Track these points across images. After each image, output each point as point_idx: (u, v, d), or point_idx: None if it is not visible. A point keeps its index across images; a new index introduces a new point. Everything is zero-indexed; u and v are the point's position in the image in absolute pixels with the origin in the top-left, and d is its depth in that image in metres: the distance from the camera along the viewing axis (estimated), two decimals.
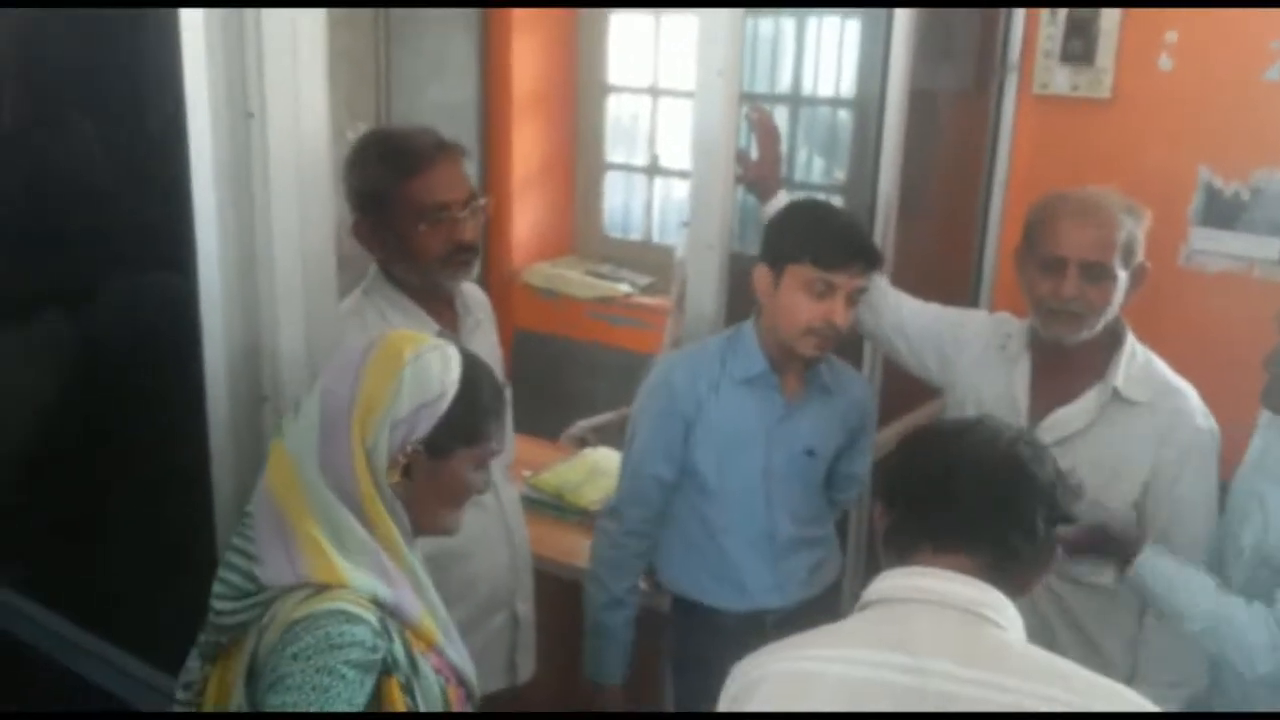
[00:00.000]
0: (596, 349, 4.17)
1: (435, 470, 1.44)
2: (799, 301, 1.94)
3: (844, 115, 3.78)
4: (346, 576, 1.35)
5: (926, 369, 2.23)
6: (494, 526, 2.14)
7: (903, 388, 2.67)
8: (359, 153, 1.99)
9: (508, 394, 1.65)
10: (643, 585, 2.23)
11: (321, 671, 1.27)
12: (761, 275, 2.00)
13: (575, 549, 2.71)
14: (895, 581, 1.28)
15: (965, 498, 1.29)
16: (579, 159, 4.48)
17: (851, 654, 1.21)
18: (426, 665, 1.42)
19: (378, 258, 2.02)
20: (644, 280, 4.27)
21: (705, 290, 2.24)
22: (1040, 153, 3.07)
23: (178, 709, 1.46)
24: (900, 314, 2.23)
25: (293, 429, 1.42)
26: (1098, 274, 1.91)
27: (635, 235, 4.48)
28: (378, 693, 1.32)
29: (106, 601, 2.18)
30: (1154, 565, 1.79)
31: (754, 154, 2.30)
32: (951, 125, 3.13)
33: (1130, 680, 1.96)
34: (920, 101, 2.85)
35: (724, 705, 1.29)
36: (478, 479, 1.50)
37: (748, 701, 1.25)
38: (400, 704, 1.35)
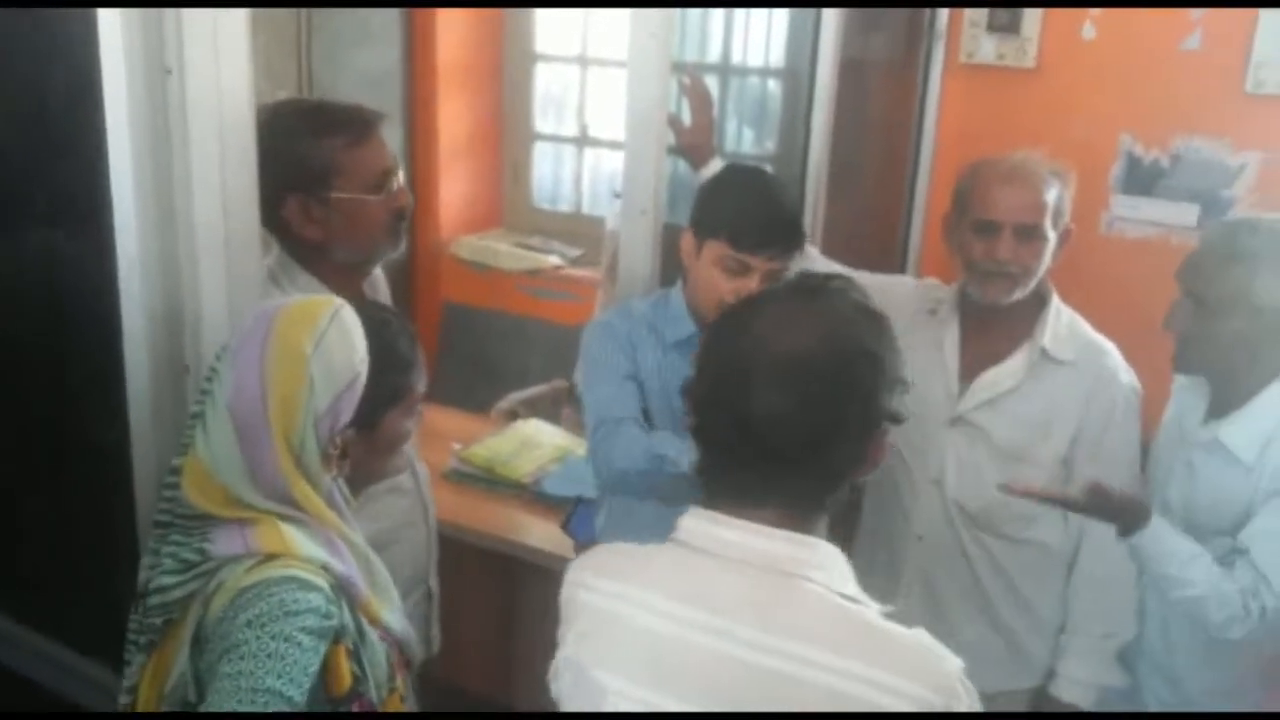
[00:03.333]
0: (527, 322, 4.13)
1: (369, 438, 1.43)
2: (714, 276, 1.92)
3: (773, 85, 3.79)
4: (296, 546, 1.33)
5: None
6: (414, 508, 2.11)
7: None
8: (287, 128, 1.84)
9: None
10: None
11: (278, 638, 1.24)
12: (687, 242, 1.99)
13: (504, 521, 2.71)
14: (703, 527, 1.20)
15: (756, 461, 1.17)
16: (507, 129, 4.42)
17: (659, 603, 1.17)
18: (373, 633, 1.40)
19: (310, 240, 1.85)
20: (574, 252, 4.23)
21: (638, 257, 2.22)
22: (967, 121, 3.10)
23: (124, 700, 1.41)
24: None
25: (205, 444, 1.35)
26: (1029, 235, 1.94)
27: (565, 207, 4.44)
28: (325, 659, 1.29)
29: (22, 584, 2.11)
30: (1157, 533, 1.80)
31: (687, 120, 2.28)
32: (880, 95, 3.14)
33: (1062, 632, 2.01)
34: (849, 71, 2.86)
35: (562, 606, 1.27)
36: (411, 424, 1.49)
37: (570, 622, 1.25)
38: (346, 671, 1.33)
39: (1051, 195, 1.96)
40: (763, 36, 3.74)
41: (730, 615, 1.14)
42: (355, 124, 1.84)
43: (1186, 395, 1.99)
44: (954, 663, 1.12)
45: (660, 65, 2.14)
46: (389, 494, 1.96)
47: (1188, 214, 2.90)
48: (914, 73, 3.14)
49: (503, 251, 4.21)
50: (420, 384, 1.50)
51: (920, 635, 1.14)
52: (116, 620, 1.43)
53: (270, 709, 1.20)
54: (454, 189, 4.31)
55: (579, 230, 4.30)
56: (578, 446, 2.94)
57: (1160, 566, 1.80)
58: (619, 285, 2.28)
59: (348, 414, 1.38)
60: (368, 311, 1.45)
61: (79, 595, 1.95)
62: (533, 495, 2.75)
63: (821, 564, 1.17)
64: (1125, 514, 1.80)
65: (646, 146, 2.17)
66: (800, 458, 1.16)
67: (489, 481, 2.80)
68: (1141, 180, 2.94)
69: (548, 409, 3.36)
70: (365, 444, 1.42)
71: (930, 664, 1.11)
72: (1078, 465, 1.99)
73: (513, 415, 3.29)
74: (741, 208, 1.92)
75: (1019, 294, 1.98)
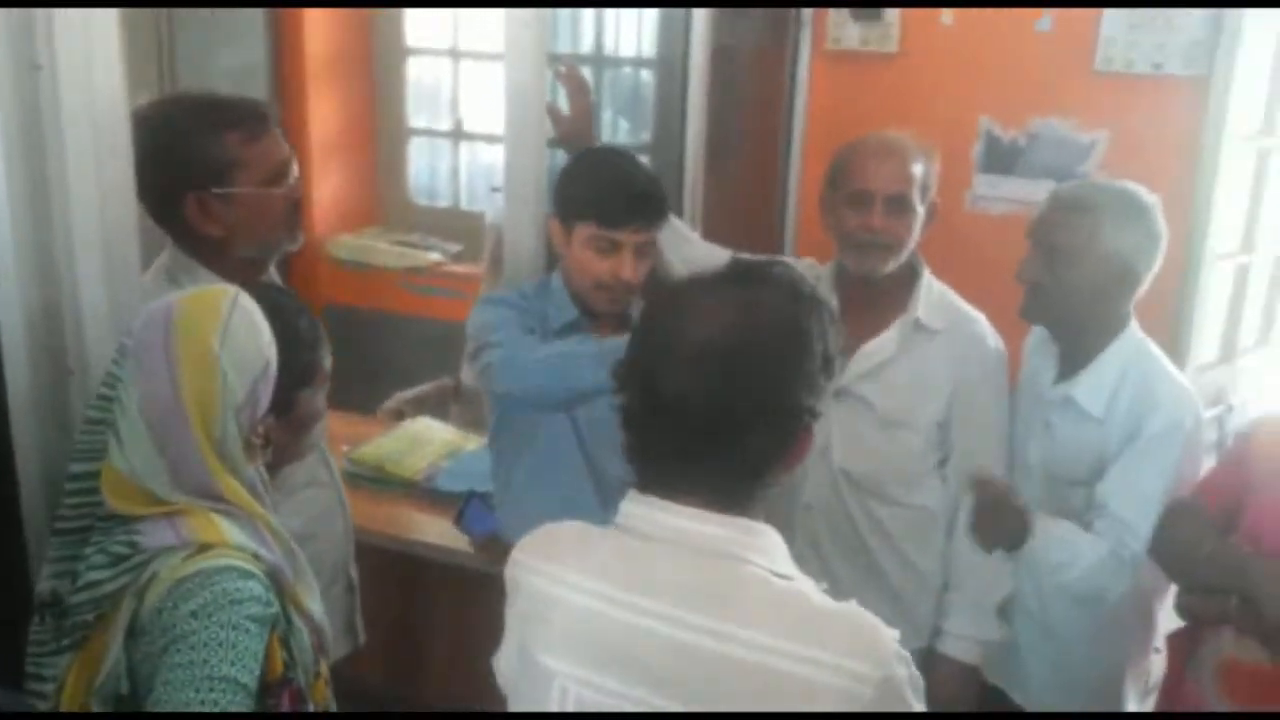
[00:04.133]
0: (409, 320, 4.09)
1: (286, 421, 1.46)
2: (587, 257, 1.96)
3: (646, 75, 3.83)
4: (229, 536, 1.32)
5: None
6: (331, 500, 2.10)
7: None
8: (181, 124, 1.79)
9: None
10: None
11: (225, 627, 1.23)
12: (554, 229, 2.02)
13: (397, 520, 2.70)
14: (643, 511, 1.21)
15: (683, 447, 1.18)
16: (380, 125, 4.38)
17: (600, 587, 1.19)
18: (299, 620, 1.41)
19: (211, 236, 1.80)
20: (454, 248, 4.21)
21: (523, 245, 2.24)
22: (835, 105, 3.19)
23: (43, 707, 1.37)
24: (712, 265, 2.28)
25: (121, 453, 1.33)
26: (900, 206, 2.04)
27: (443, 202, 4.42)
28: None
29: None
30: (1046, 532, 1.92)
31: (565, 109, 2.30)
32: (751, 81, 3.22)
33: (944, 590, 2.10)
34: (721, 59, 2.92)
35: (506, 581, 1.29)
36: (322, 401, 1.53)
37: (512, 599, 1.27)
38: (278, 658, 1.33)
39: (918, 169, 2.06)
40: (634, 27, 3.78)
41: (670, 598, 1.15)
42: (253, 117, 1.81)
43: (1038, 358, 2.13)
44: (889, 634, 1.14)
45: (536, 54, 2.16)
46: (307, 488, 1.96)
47: (1045, 191, 3.00)
48: (783, 59, 3.23)
49: (381, 249, 4.16)
50: (326, 360, 1.52)
51: (854, 610, 1.16)
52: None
53: (227, 696, 1.20)
54: (327, 187, 4.25)
55: (458, 225, 4.27)
56: (468, 442, 2.94)
57: (1049, 555, 1.92)
58: (505, 276, 2.29)
59: (265, 401, 1.37)
60: (263, 295, 1.44)
61: None
62: (425, 492, 2.74)
63: (760, 547, 1.18)
64: (1010, 532, 1.92)
65: (527, 135, 2.19)
66: (715, 442, 1.17)
67: (381, 481, 2.78)
68: (1001, 159, 3.08)
69: (435, 407, 3.35)
70: (283, 427, 1.44)
71: (866, 638, 1.13)
72: (954, 428, 2.09)
73: (400, 415, 3.27)
74: (602, 187, 1.96)
75: (892, 265, 2.06)
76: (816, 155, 3.03)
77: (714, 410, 1.15)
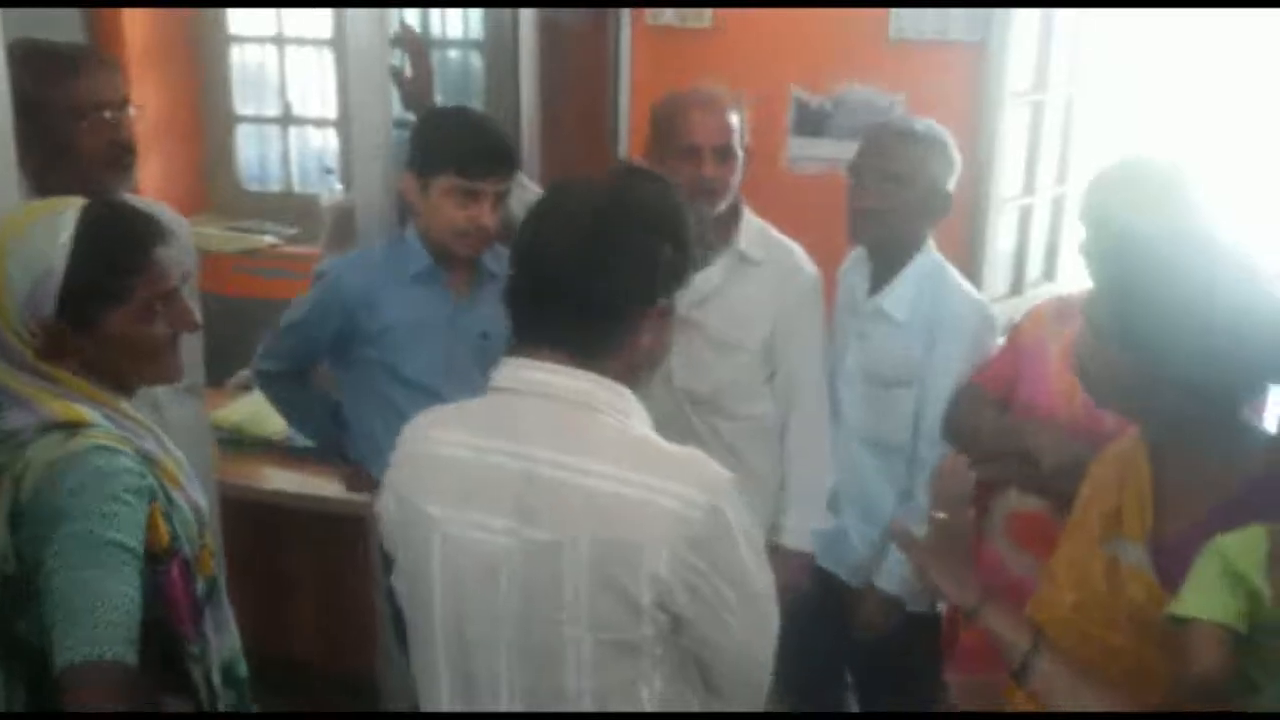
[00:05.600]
0: (248, 303, 4.07)
1: (96, 335, 1.45)
2: (446, 208, 2.09)
3: (475, 57, 3.96)
4: (87, 414, 1.41)
5: None
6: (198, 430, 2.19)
7: None
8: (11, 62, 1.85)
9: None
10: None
11: (105, 499, 1.32)
12: (408, 183, 2.15)
13: (256, 474, 2.81)
14: (509, 372, 1.36)
15: (545, 297, 1.33)
16: (206, 112, 4.36)
17: (472, 440, 1.34)
18: (179, 497, 1.49)
19: (31, 169, 1.88)
20: (289, 230, 4.24)
21: (374, 199, 2.35)
22: (656, 76, 3.36)
23: None
24: None
25: None
26: (726, 155, 2.24)
27: (275, 186, 4.43)
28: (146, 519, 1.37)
29: None
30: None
31: (408, 72, 2.42)
32: (577, 56, 3.38)
33: (780, 489, 2.33)
34: (549, 37, 3.09)
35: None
36: (155, 327, 1.49)
37: (397, 471, 1.41)
38: (163, 530, 1.41)
39: (735, 119, 2.27)
40: (460, 9, 3.90)
41: (530, 440, 1.31)
42: (70, 58, 1.94)
43: (852, 277, 2.38)
44: (724, 474, 1.31)
45: (372, 13, 2.28)
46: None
47: (852, 150, 3.29)
48: (606, 35, 3.41)
49: (215, 235, 4.15)
50: (158, 283, 1.48)
51: (694, 451, 1.34)
52: None
53: (116, 558, 1.29)
54: (154, 175, 4.19)
55: (291, 208, 4.30)
56: None
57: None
58: (360, 226, 2.40)
59: (46, 306, 1.42)
60: (106, 209, 1.50)
61: None
62: (285, 450, 2.82)
63: (618, 406, 1.33)
64: None
65: (370, 95, 2.31)
66: (573, 293, 1.31)
67: (239, 442, 2.84)
68: (811, 123, 3.33)
69: None
70: (94, 342, 1.46)
71: (700, 471, 1.30)
72: (778, 348, 2.32)
73: (249, 387, 3.31)
74: (462, 140, 2.10)
75: (721, 206, 2.27)
76: (641, 123, 3.20)
77: (569, 259, 1.32)
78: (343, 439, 2.37)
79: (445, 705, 1.40)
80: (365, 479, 2.31)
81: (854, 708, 2.63)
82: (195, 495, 1.54)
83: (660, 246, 1.35)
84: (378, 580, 2.47)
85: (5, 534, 1.36)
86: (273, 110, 4.37)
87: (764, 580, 1.36)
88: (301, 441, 2.81)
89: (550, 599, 1.29)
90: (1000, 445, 1.99)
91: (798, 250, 2.37)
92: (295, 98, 4.35)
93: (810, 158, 3.35)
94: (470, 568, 1.33)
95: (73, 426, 1.39)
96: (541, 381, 1.34)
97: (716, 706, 1.39)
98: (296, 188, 4.40)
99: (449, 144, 2.10)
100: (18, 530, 1.35)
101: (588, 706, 1.31)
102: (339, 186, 4.11)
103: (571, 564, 1.27)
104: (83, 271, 1.43)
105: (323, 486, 2.61)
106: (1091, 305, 1.46)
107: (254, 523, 2.66)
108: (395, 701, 2.67)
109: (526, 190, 2.43)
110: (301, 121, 4.34)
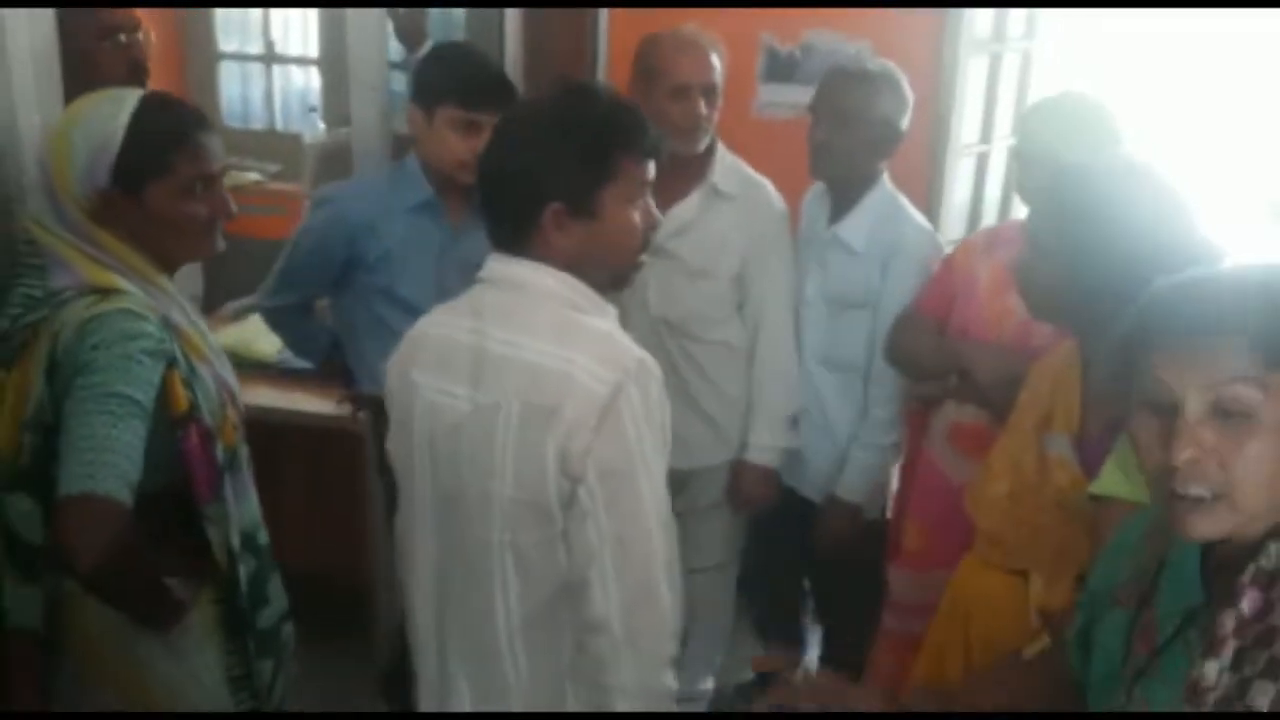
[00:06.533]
0: (233, 240, 4.16)
1: (140, 205, 1.62)
2: (448, 138, 2.22)
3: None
4: (121, 283, 1.59)
5: None
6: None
7: None
8: None
9: None
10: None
11: (122, 357, 1.50)
12: (414, 115, 2.28)
13: (251, 393, 2.90)
14: (489, 264, 1.56)
15: (481, 199, 1.54)
16: (189, 50, 4.44)
17: (450, 320, 1.56)
18: (203, 370, 1.66)
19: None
20: (273, 168, 4.34)
21: (369, 130, 2.49)
22: (632, 31, 3.48)
23: None
24: None
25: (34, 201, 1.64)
26: (711, 94, 2.39)
27: (257, 125, 4.52)
28: (164, 383, 1.55)
29: None
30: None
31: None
32: (555, 25, 3.47)
33: (750, 410, 2.50)
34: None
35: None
36: (194, 206, 1.65)
37: (399, 349, 1.61)
38: (182, 396, 1.59)
39: (716, 59, 2.41)
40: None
41: (485, 319, 1.52)
42: None
43: (814, 209, 2.56)
44: (636, 355, 1.47)
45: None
46: None
47: None
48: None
49: None
50: (196, 166, 1.64)
51: (616, 333, 1.51)
52: None
53: (124, 408, 1.47)
54: None
55: (274, 146, 4.40)
56: None
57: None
58: (356, 156, 2.53)
59: (103, 175, 1.61)
60: (160, 98, 1.70)
61: None
62: (280, 371, 2.96)
63: (566, 298, 1.50)
64: None
65: (367, 26, 2.43)
66: (488, 194, 1.52)
67: (235, 365, 2.95)
68: (781, 70, 3.46)
69: None
70: (141, 213, 1.63)
71: (613, 350, 1.47)
72: (749, 277, 2.49)
73: (239, 317, 3.43)
74: (466, 73, 2.24)
75: (704, 142, 2.42)
76: (621, 83, 3.34)
77: (487, 163, 1.53)
78: (347, 366, 2.51)
79: (420, 563, 1.61)
80: (360, 399, 2.46)
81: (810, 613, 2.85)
82: (224, 373, 1.72)
83: (554, 150, 1.48)
84: (370, 493, 2.64)
85: (43, 385, 1.54)
86: (255, 48, 4.45)
87: (652, 470, 1.46)
88: (293, 363, 2.95)
89: (485, 456, 1.49)
90: (939, 365, 2.19)
91: (768, 186, 2.53)
92: (278, 36, 4.43)
93: (780, 103, 3.47)
94: (440, 427, 1.54)
95: (106, 292, 1.57)
96: (502, 271, 1.54)
97: (613, 594, 1.46)
98: (279, 126, 4.49)
99: (451, 77, 2.23)
100: (53, 382, 1.53)
101: (509, 560, 1.50)
102: (322, 125, 4.21)
103: (504, 425, 1.46)
104: (134, 146, 1.61)
105: (314, 404, 2.75)
106: (1036, 228, 1.63)
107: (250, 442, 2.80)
108: (386, 615, 2.84)
109: None
110: (284, 60, 4.42)
